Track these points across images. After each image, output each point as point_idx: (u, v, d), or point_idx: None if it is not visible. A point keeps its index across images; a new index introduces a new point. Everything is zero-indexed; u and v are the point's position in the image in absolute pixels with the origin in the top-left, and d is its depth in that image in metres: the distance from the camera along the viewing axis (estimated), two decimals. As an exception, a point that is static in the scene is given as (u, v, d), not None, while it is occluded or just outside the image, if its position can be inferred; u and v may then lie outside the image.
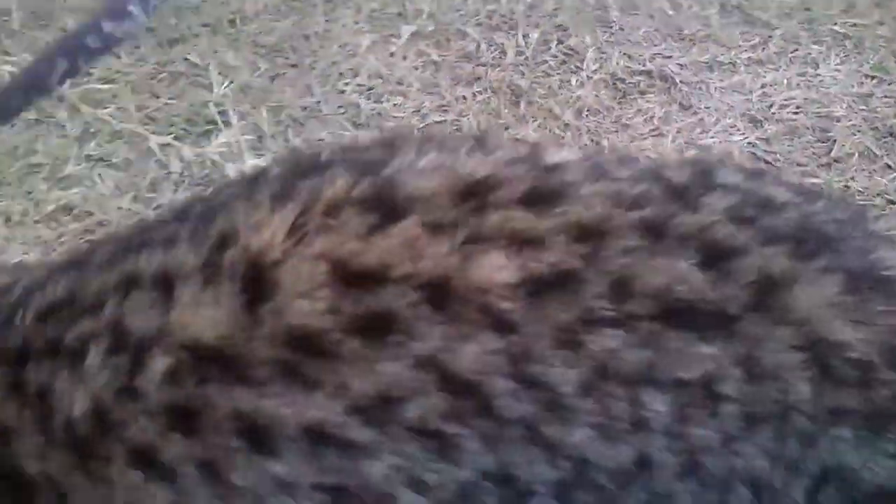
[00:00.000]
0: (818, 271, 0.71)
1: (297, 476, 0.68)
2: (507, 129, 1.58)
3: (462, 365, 0.68)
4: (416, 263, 0.68)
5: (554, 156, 0.78)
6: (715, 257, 0.70)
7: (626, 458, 0.70)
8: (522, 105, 1.61)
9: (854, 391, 0.69)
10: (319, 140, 1.54)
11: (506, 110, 1.61)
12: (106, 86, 1.59)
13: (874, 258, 0.74)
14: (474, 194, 0.71)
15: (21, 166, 1.46)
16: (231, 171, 1.45)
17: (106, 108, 1.57)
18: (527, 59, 1.70)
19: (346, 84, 1.63)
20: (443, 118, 1.59)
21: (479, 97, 1.63)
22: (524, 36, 1.73)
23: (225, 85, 1.60)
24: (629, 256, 0.70)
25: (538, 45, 1.73)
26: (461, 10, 1.79)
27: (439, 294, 0.68)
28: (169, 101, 1.59)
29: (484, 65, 1.69)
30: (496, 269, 0.68)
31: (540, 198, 0.72)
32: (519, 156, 0.77)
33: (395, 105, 1.60)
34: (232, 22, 1.73)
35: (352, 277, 0.68)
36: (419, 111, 1.60)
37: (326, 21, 1.74)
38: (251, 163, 1.46)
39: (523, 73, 1.68)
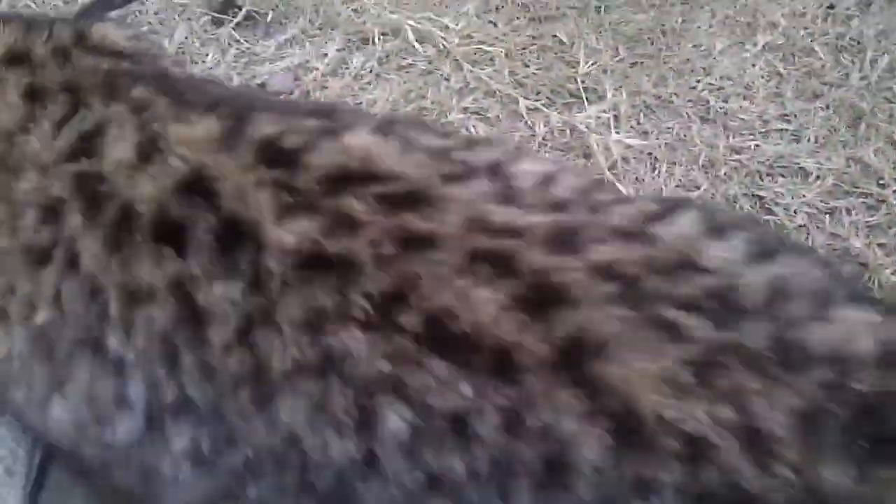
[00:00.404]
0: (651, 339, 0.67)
1: None
2: (844, 146, 1.68)
3: (204, 297, 0.72)
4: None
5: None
6: (540, 299, 0.67)
7: (349, 452, 0.69)
8: (862, 127, 1.71)
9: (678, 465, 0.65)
10: (668, 128, 1.70)
11: (845, 129, 1.71)
12: (487, 48, 1.81)
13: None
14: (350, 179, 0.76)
15: (414, 108, 1.71)
16: (593, 142, 1.63)
17: (483, 69, 1.79)
18: (870, 84, 1.79)
19: (698, 81, 1.78)
20: (784, 127, 1.71)
21: (821, 113, 1.73)
22: (871, 61, 1.82)
23: (588, 64, 1.79)
24: (435, 268, 0.69)
25: (884, 71, 1.81)
26: (811, 29, 1.89)
27: (227, 232, 0.74)
28: (537, 71, 1.79)
29: (827, 83, 1.79)
30: (290, 232, 0.72)
31: (418, 198, 0.74)
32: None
33: (740, 107, 1.74)
34: (598, 9, 1.91)
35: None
36: (762, 117, 1.73)
37: (683, 21, 1.89)
38: (614, 138, 1.64)
39: (864, 97, 1.76)
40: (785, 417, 0.65)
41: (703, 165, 1.64)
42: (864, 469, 0.64)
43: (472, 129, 1.68)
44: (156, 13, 1.89)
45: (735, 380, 0.66)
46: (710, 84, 1.78)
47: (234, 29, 1.86)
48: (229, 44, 1.84)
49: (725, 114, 1.73)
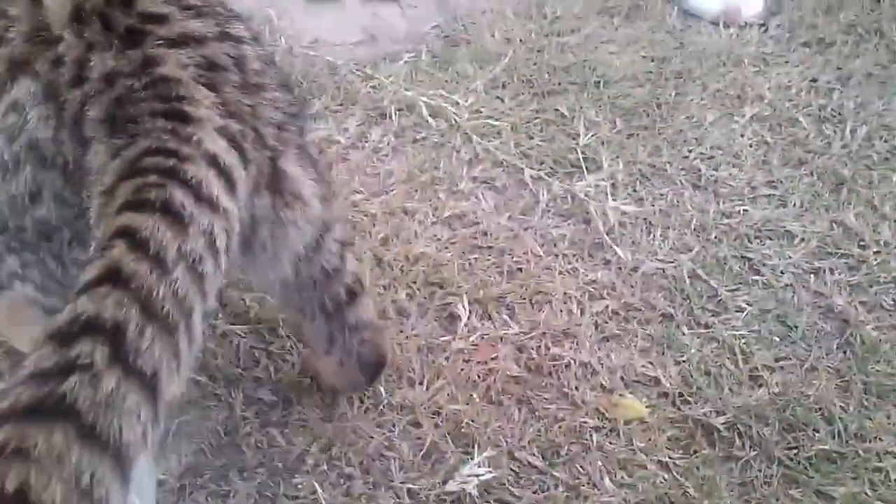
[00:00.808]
0: None
1: None
2: (827, 210, 1.81)
3: None
4: None
5: None
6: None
7: None
8: (844, 192, 1.84)
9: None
10: (662, 195, 1.84)
11: (828, 194, 1.84)
12: (494, 122, 1.97)
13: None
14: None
15: (427, 178, 1.86)
16: (592, 209, 1.77)
17: (491, 140, 1.94)
18: (850, 151, 1.93)
19: (690, 150, 1.92)
20: (771, 192, 1.85)
21: (805, 179, 1.87)
22: (852, 131, 1.96)
23: (588, 136, 1.94)
24: None
25: (863, 139, 1.94)
26: (795, 101, 2.04)
27: None
28: (540, 143, 1.94)
29: (811, 151, 1.93)
30: None
31: None
32: None
33: (730, 174, 1.88)
34: (597, 84, 2.07)
35: None
36: (750, 183, 1.86)
37: (676, 95, 2.04)
38: (611, 205, 1.78)
39: (846, 164, 1.90)
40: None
41: (695, 229, 1.77)
42: None
43: (482, 197, 1.82)
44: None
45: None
46: (702, 153, 1.92)
47: (261, 106, 2.01)
48: (257, 120, 2.00)
49: (716, 181, 1.86)
